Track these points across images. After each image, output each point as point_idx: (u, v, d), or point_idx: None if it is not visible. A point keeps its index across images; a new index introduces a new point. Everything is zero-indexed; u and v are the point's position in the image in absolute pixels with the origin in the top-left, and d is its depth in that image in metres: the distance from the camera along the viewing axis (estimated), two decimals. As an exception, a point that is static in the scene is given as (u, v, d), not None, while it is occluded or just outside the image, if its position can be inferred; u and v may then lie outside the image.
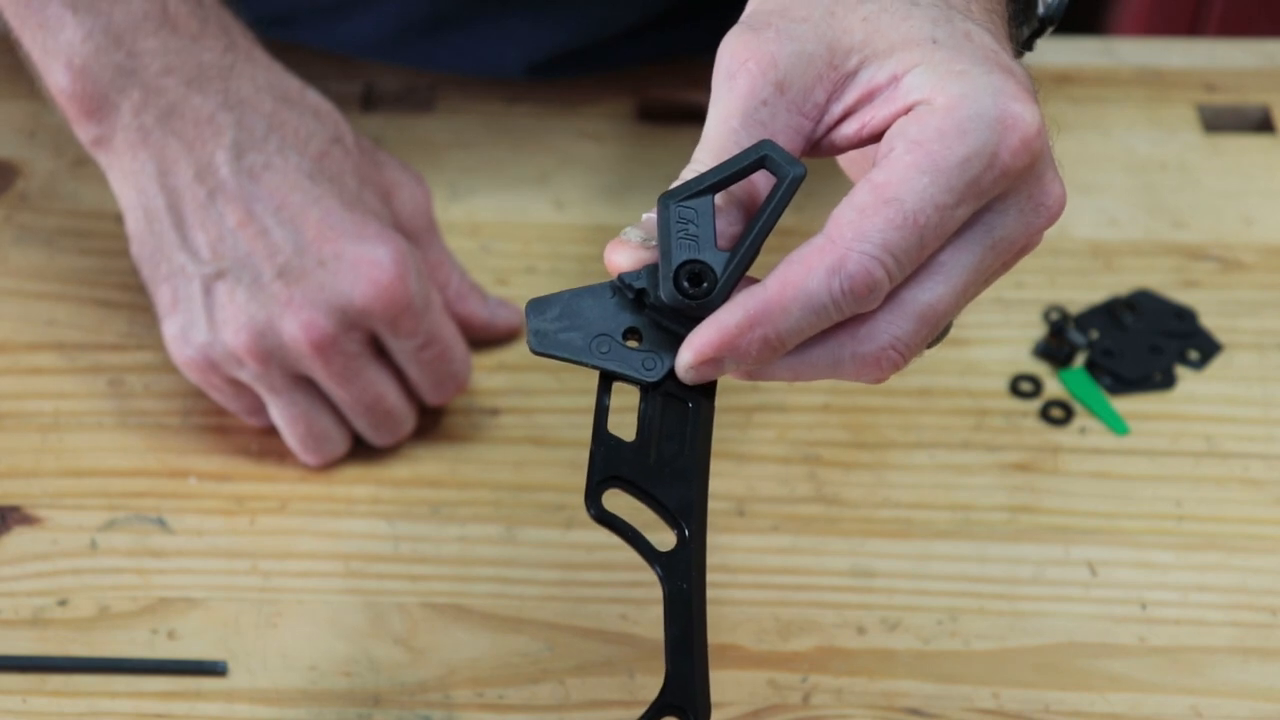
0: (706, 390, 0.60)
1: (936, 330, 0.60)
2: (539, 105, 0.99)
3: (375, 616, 0.77)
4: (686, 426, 0.59)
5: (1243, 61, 1.03)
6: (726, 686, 0.75)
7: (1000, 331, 0.89)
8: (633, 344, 0.59)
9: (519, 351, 0.87)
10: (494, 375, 0.86)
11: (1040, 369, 0.87)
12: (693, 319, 0.58)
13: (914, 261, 0.57)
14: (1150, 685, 0.75)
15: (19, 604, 0.77)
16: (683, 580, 0.58)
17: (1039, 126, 0.58)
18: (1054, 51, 1.01)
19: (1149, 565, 0.79)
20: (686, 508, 0.59)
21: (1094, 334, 0.88)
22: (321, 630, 0.76)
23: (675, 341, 0.59)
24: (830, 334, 0.59)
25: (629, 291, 0.59)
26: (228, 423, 0.84)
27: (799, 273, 0.57)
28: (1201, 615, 0.77)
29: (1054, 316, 0.89)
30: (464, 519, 0.81)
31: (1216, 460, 0.83)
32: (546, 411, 0.85)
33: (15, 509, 0.80)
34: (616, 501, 0.59)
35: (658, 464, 0.59)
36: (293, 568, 0.79)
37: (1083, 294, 0.90)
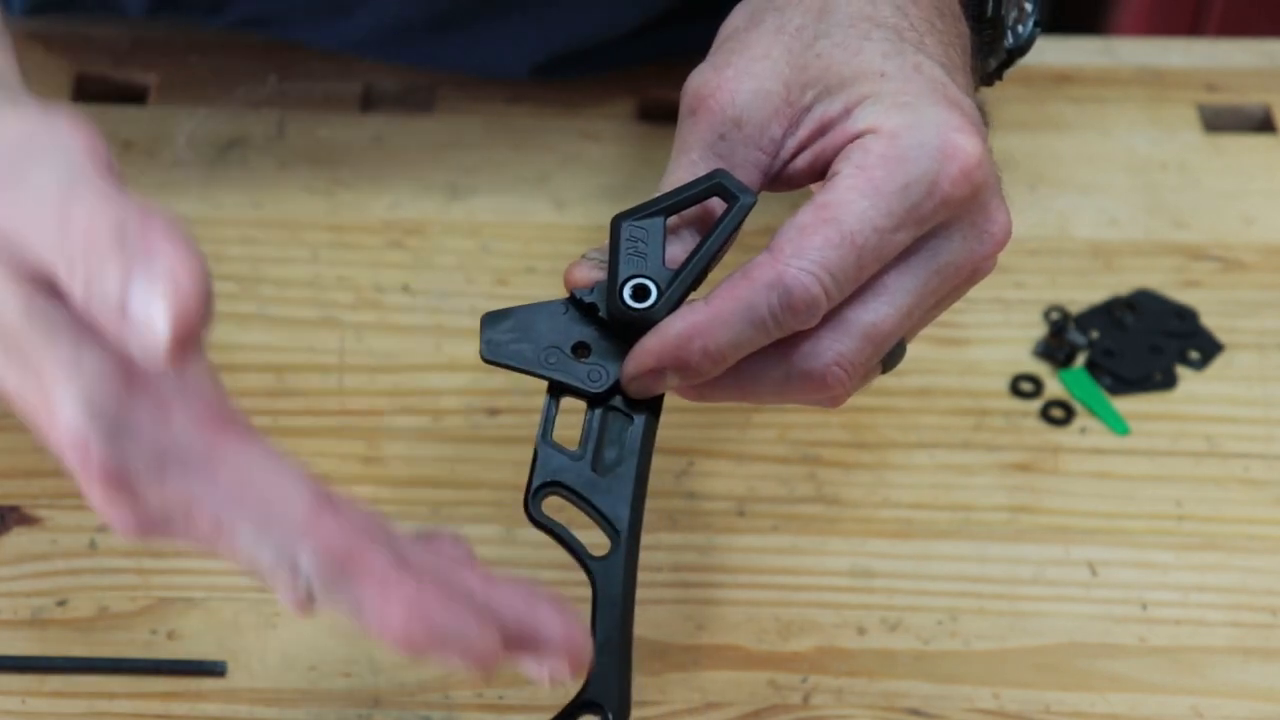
0: (652, 406, 0.62)
1: (882, 350, 0.62)
2: (539, 105, 0.99)
3: (375, 617, 0.77)
4: (627, 437, 0.62)
5: (1243, 61, 1.03)
6: (726, 687, 0.74)
7: (1000, 331, 0.88)
8: (582, 358, 0.62)
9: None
10: (494, 375, 0.85)
11: (1040, 369, 0.87)
12: (638, 332, 0.60)
13: (852, 281, 0.60)
14: (1151, 685, 0.75)
15: (18, 604, 0.77)
16: (613, 584, 0.61)
17: (980, 157, 0.60)
18: (1054, 51, 1.01)
19: (1149, 565, 0.79)
20: (620, 515, 0.61)
21: (1094, 334, 0.88)
22: (321, 630, 0.76)
23: (622, 355, 0.61)
24: (775, 351, 0.61)
25: (580, 307, 0.62)
26: (227, 423, 0.83)
27: (740, 286, 0.59)
28: (1202, 615, 0.77)
29: (1054, 316, 0.89)
30: (464, 519, 0.81)
31: (1217, 460, 0.83)
32: (546, 411, 0.84)
33: (15, 509, 0.80)
34: (552, 506, 0.62)
35: (596, 473, 0.61)
36: (292, 568, 0.78)
37: (1083, 294, 0.90)
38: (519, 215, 0.94)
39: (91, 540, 0.79)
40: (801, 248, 0.59)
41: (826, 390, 0.62)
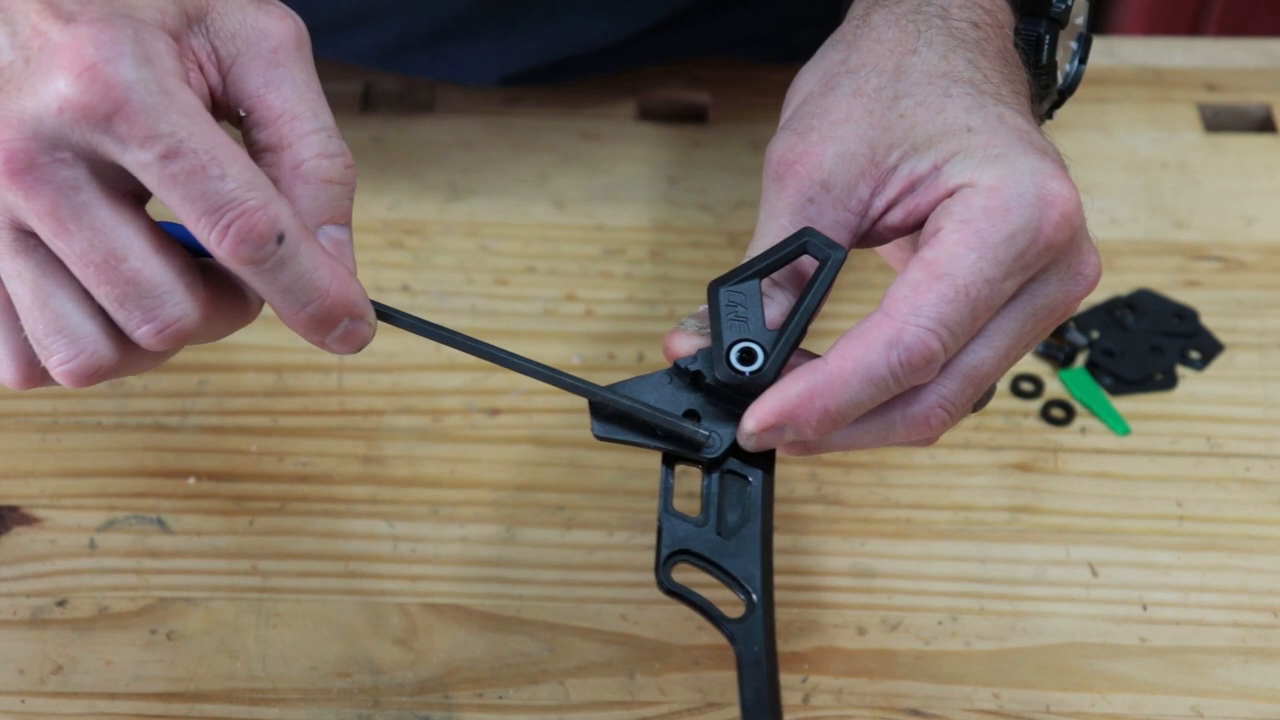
0: (765, 464, 0.63)
1: (981, 390, 0.63)
2: (539, 105, 0.99)
3: (375, 617, 0.77)
4: (747, 498, 0.63)
5: (1244, 61, 1.03)
6: (726, 687, 0.74)
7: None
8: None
9: (518, 350, 0.87)
10: (494, 375, 0.86)
11: (1041, 369, 0.87)
12: (748, 395, 0.61)
13: (967, 333, 0.61)
14: (1151, 686, 0.75)
15: (17, 604, 0.77)
16: (754, 644, 0.61)
17: (1077, 202, 0.62)
18: (1055, 51, 1.01)
19: (1150, 566, 0.79)
20: (752, 575, 0.62)
21: (1095, 334, 0.88)
22: (321, 631, 0.76)
23: (732, 419, 0.62)
24: (883, 404, 0.62)
25: (685, 375, 0.63)
26: (228, 423, 0.83)
27: (858, 347, 0.60)
28: (1202, 616, 0.77)
29: (1055, 316, 0.89)
30: (464, 519, 0.81)
31: (1217, 460, 0.83)
32: (546, 411, 0.84)
33: (15, 509, 0.80)
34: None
35: (722, 536, 0.62)
36: (292, 568, 0.79)
37: (1083, 294, 0.90)
38: (519, 215, 0.94)
39: (91, 540, 0.79)
40: (917, 305, 0.60)
41: (928, 432, 0.63)
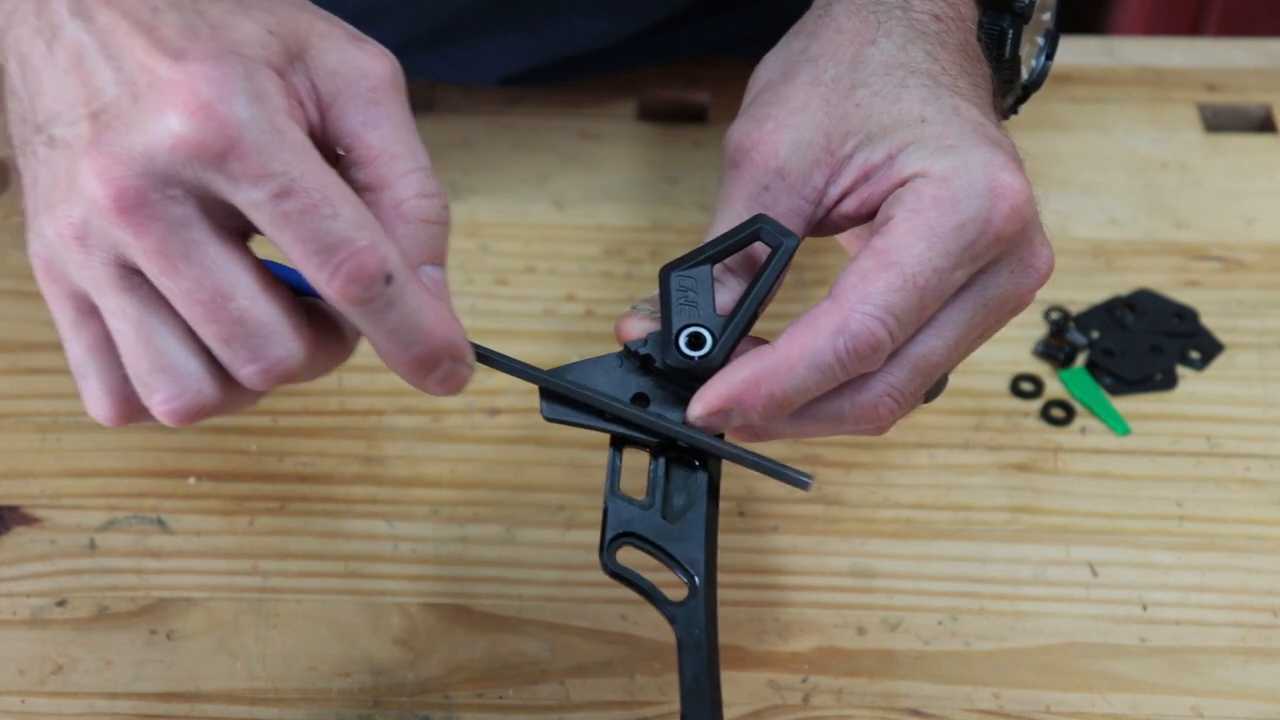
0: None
1: (930, 380, 0.63)
2: (539, 105, 0.99)
3: (375, 617, 0.77)
4: (694, 482, 0.63)
5: (1243, 61, 1.03)
6: (727, 687, 0.74)
7: (1001, 331, 0.88)
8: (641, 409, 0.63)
9: (519, 351, 0.87)
10: (494, 375, 0.85)
11: (1041, 369, 0.87)
12: (696, 380, 0.62)
13: (915, 322, 0.61)
14: (1151, 686, 0.75)
15: (17, 604, 0.77)
16: (695, 627, 0.61)
17: (1027, 194, 0.62)
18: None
19: (1150, 566, 0.79)
20: (695, 559, 0.62)
21: (1095, 334, 0.88)
22: (321, 631, 0.76)
23: (680, 403, 0.62)
24: (831, 392, 0.62)
25: (635, 359, 0.63)
26: (228, 423, 0.83)
27: (805, 333, 0.60)
28: (1202, 616, 0.77)
29: (1055, 316, 0.89)
30: (464, 519, 0.81)
31: (1217, 460, 0.83)
32: (546, 411, 0.84)
33: (15, 509, 0.80)
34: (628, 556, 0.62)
35: (667, 520, 0.62)
36: (292, 568, 0.79)
37: (1083, 294, 0.90)
38: (519, 215, 0.94)
39: (91, 540, 0.79)
40: (865, 293, 0.60)
41: (877, 421, 0.63)
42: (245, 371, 0.56)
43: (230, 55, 0.55)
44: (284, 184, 0.54)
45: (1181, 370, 0.87)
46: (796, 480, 0.61)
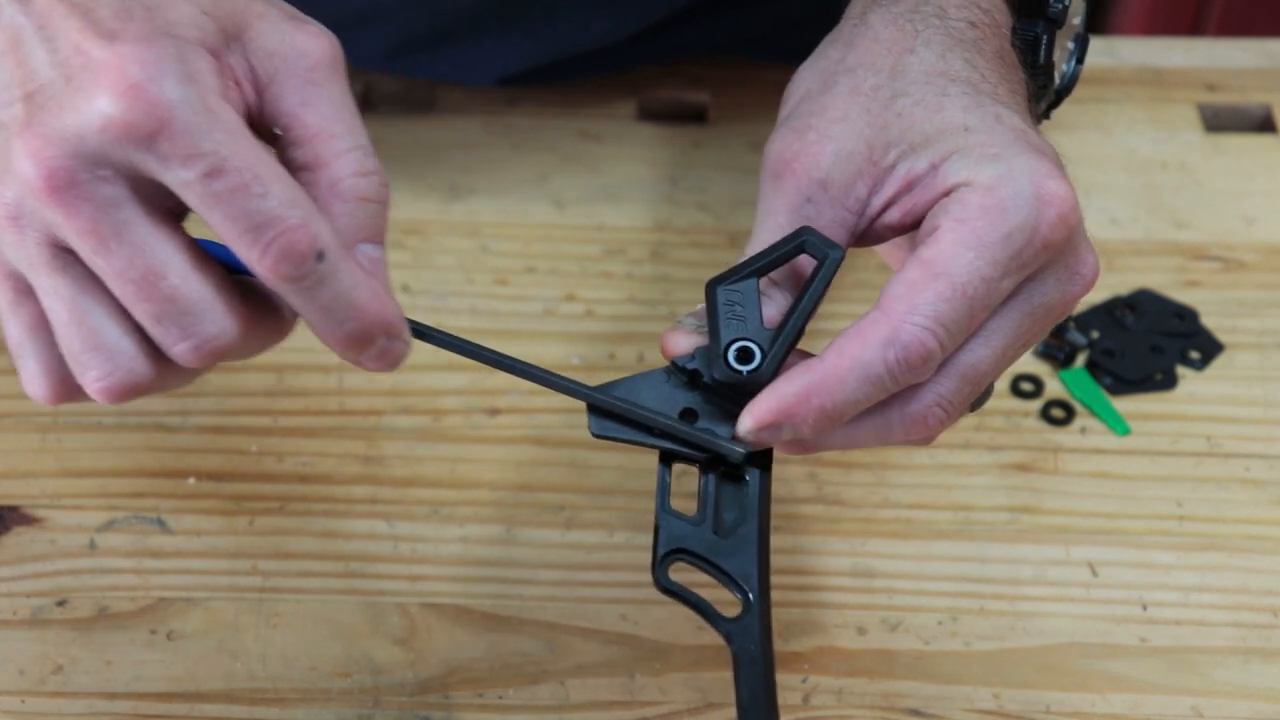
0: (763, 462, 0.63)
1: (979, 389, 0.63)
2: (539, 105, 0.99)
3: (375, 617, 0.77)
4: (744, 497, 0.62)
5: (1244, 61, 1.03)
6: (727, 687, 0.74)
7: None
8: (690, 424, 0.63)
9: (518, 350, 0.87)
10: (493, 375, 0.86)
11: (1041, 369, 0.87)
12: (745, 394, 0.61)
13: (964, 331, 0.61)
14: (1151, 686, 0.75)
15: (17, 604, 0.77)
16: (750, 643, 0.61)
17: (1073, 201, 0.62)
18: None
19: (1150, 566, 0.79)
20: (749, 574, 0.62)
21: (1095, 334, 0.88)
22: (321, 630, 0.76)
23: (729, 418, 0.62)
24: (880, 403, 0.62)
25: (682, 374, 0.63)
26: (227, 423, 0.83)
27: (855, 345, 0.60)
28: (1202, 616, 0.77)
29: (1055, 316, 0.89)
30: (464, 519, 0.81)
31: (1218, 460, 0.83)
32: (546, 411, 0.84)
33: (15, 509, 0.80)
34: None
35: (719, 535, 0.62)
36: (292, 568, 0.79)
37: (1083, 294, 0.90)
38: (518, 215, 0.94)
39: (91, 540, 0.79)
40: (914, 304, 0.60)
41: (926, 431, 0.63)
42: (178, 349, 0.57)
43: (162, 36, 0.55)
44: (214, 163, 0.54)
45: (1181, 370, 0.87)
46: (696, 439, 0.62)
